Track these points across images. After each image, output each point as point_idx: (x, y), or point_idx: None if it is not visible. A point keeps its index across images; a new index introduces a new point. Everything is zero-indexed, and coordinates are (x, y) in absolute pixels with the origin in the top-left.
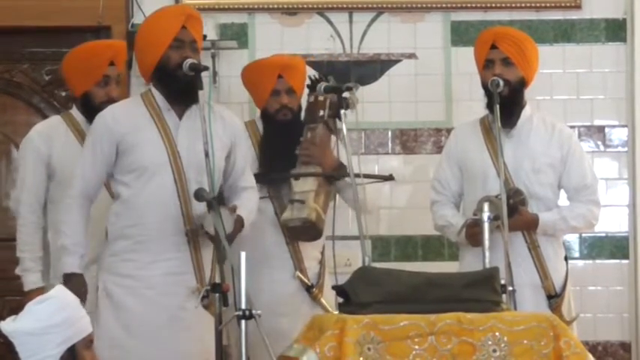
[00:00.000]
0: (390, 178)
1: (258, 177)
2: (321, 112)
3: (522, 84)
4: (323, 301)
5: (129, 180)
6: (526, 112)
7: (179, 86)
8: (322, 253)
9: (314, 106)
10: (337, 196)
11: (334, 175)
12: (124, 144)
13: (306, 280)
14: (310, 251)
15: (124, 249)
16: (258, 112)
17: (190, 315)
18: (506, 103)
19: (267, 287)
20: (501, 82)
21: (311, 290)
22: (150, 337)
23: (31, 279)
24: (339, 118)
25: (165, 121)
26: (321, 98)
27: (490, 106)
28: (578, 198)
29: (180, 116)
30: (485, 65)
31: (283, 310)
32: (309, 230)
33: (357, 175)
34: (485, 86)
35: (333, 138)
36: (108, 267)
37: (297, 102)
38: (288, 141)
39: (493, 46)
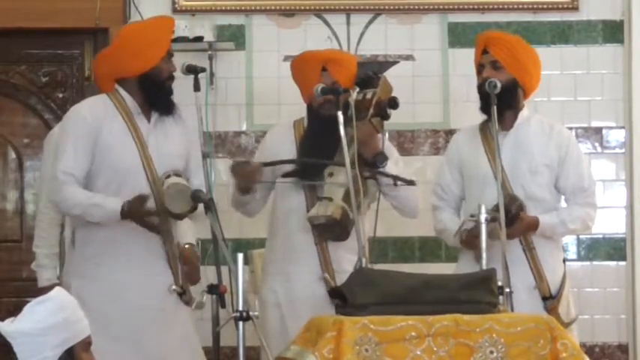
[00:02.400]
0: (411, 182)
1: (293, 173)
2: (367, 111)
3: (514, 86)
4: None
5: (101, 183)
6: (523, 113)
7: (164, 97)
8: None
9: (360, 104)
10: (381, 197)
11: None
12: (100, 144)
13: (332, 283)
14: (344, 253)
15: (95, 253)
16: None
17: (170, 314)
18: (496, 105)
19: (290, 286)
20: (499, 84)
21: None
22: (132, 341)
23: (45, 275)
24: (384, 118)
25: (137, 125)
26: (368, 97)
27: (483, 108)
28: (575, 200)
29: (148, 120)
30: (478, 70)
31: (303, 311)
32: (334, 229)
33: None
34: (478, 89)
35: (379, 136)
36: (80, 273)
37: (343, 98)
38: (328, 136)
39: (485, 51)
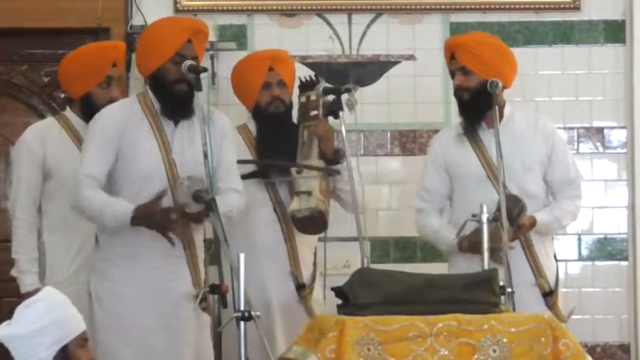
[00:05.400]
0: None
1: (256, 174)
2: (315, 112)
3: (486, 87)
4: (311, 304)
5: (123, 185)
6: (507, 111)
7: (173, 100)
8: (315, 254)
9: (306, 106)
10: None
11: (333, 161)
12: (123, 148)
13: (300, 279)
14: (305, 252)
15: (117, 255)
16: (248, 115)
17: (185, 321)
18: (472, 108)
19: (260, 283)
20: (500, 84)
21: (301, 290)
22: (143, 345)
23: (28, 281)
24: (334, 117)
25: (162, 128)
26: (313, 98)
27: (462, 112)
28: (564, 194)
29: (175, 123)
30: (452, 76)
31: (275, 308)
32: (317, 221)
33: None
34: (454, 95)
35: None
36: (100, 272)
37: (289, 96)
38: (282, 134)
39: (452, 57)
